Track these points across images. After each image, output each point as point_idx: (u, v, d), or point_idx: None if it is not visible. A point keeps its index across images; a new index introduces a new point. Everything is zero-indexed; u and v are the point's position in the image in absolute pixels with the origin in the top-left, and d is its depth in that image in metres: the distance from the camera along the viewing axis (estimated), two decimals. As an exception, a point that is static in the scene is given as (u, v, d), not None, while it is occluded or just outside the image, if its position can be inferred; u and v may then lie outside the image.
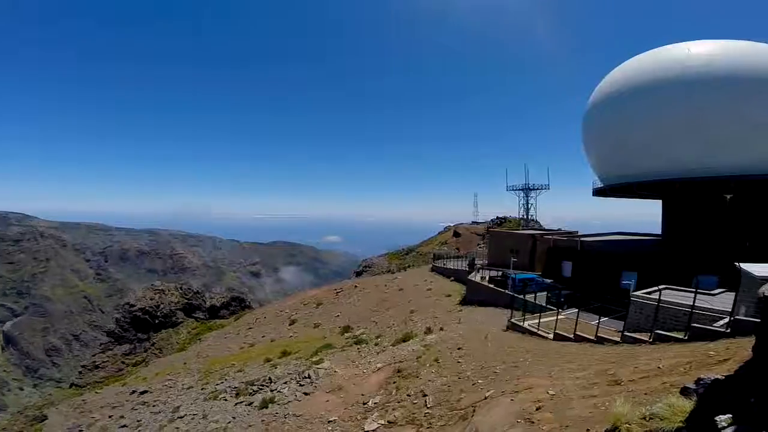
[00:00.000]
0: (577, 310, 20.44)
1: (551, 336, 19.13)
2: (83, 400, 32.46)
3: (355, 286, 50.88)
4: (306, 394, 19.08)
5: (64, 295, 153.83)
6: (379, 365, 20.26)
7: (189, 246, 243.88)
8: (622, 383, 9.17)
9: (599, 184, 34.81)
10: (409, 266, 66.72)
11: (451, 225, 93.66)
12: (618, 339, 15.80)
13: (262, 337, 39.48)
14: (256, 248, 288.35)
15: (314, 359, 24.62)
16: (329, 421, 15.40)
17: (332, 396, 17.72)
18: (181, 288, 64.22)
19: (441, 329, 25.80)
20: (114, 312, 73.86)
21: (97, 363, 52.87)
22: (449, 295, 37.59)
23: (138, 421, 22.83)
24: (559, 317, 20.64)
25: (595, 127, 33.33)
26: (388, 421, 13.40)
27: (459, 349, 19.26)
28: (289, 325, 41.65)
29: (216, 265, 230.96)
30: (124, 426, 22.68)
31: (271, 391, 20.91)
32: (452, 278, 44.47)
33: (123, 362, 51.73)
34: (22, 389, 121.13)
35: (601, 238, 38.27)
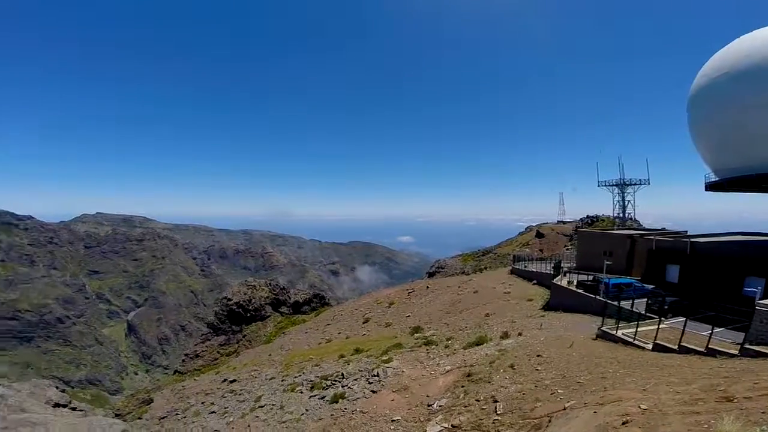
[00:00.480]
0: (684, 319, 17.73)
1: (650, 346, 17.25)
2: (183, 386, 36.16)
3: (427, 287, 50.18)
4: (374, 391, 19.06)
5: (175, 289, 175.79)
6: (447, 367, 19.46)
7: (276, 245, 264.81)
8: (735, 400, 7.47)
9: (713, 178, 29.98)
10: (485, 268, 64.07)
11: (533, 225, 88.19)
12: (735, 352, 13.59)
13: (338, 333, 40.60)
14: (335, 248, 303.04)
15: (384, 358, 24.54)
16: (393, 420, 15.10)
17: (398, 395, 17.34)
18: (269, 284, 69.09)
19: (519, 334, 24.13)
20: (214, 305, 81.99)
21: (197, 352, 58.98)
22: (530, 300, 35.19)
23: (225, 408, 24.79)
24: (661, 326, 18.44)
25: (706, 112, 28.83)
26: (452, 425, 12.61)
27: (538, 356, 17.75)
28: (363, 323, 42.32)
29: (299, 263, 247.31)
30: (213, 412, 24.71)
31: (342, 386, 21.28)
32: (534, 282, 41.71)
33: (218, 352, 56.96)
34: (137, 374, 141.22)
35: (717, 239, 32.95)
